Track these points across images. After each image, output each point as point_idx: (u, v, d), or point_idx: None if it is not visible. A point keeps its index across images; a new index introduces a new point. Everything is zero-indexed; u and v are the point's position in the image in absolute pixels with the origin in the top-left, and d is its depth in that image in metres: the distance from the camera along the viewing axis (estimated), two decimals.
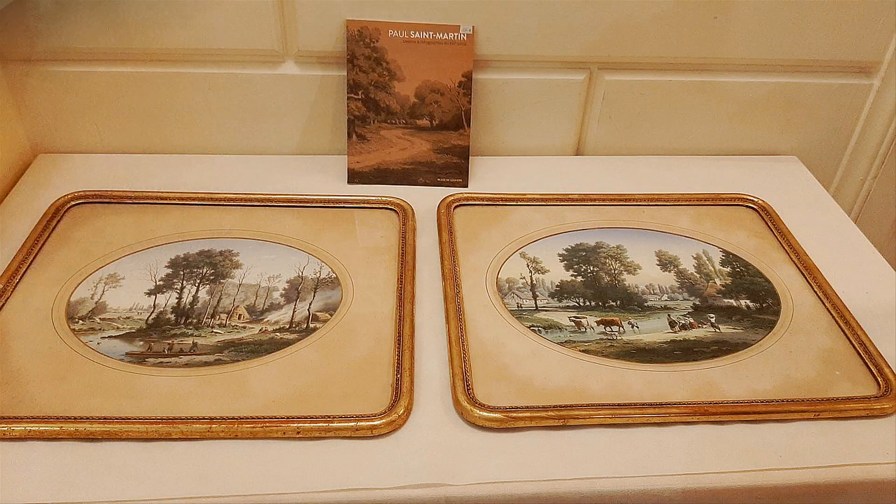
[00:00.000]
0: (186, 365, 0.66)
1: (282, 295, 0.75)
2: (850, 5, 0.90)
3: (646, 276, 0.80)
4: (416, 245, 0.82)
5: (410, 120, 0.91)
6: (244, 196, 0.87)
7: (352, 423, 0.60)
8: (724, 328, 0.73)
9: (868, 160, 1.04)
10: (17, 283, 0.74)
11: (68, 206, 0.85)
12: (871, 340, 0.71)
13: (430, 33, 0.87)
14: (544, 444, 0.61)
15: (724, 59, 0.94)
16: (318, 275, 0.77)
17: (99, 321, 0.71)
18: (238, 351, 0.68)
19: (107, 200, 0.86)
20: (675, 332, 0.72)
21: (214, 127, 0.95)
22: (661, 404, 0.64)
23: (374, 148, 0.92)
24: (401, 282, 0.76)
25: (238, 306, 0.73)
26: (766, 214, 0.89)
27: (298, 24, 0.87)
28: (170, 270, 0.77)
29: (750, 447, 0.61)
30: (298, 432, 0.60)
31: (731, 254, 0.83)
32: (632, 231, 0.86)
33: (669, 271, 0.80)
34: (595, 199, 0.90)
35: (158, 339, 0.69)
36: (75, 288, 0.74)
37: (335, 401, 0.63)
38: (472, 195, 0.90)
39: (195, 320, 0.71)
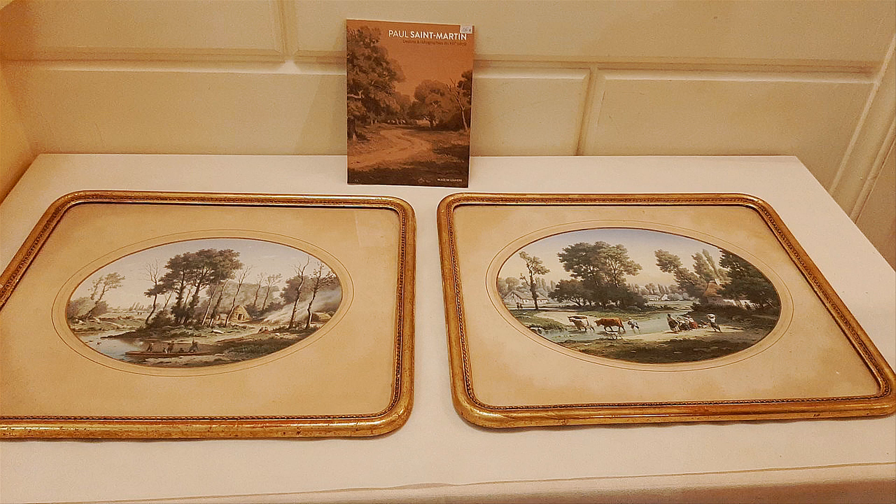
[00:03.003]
0: (186, 365, 0.66)
1: (282, 295, 0.75)
2: (850, 5, 0.90)
3: (646, 276, 0.80)
4: (416, 245, 0.82)
5: (410, 120, 0.91)
6: (244, 196, 0.87)
7: (352, 423, 0.61)
8: (724, 328, 0.73)
9: (868, 160, 1.04)
10: (17, 283, 0.74)
11: (68, 206, 0.85)
12: (871, 340, 0.71)
13: (430, 33, 0.87)
14: (544, 444, 0.61)
15: (724, 59, 0.94)
16: (318, 275, 0.77)
17: (99, 321, 0.71)
18: (238, 351, 0.68)
19: (107, 200, 0.86)
20: (675, 332, 0.72)
21: (214, 127, 0.95)
22: (661, 404, 0.64)
23: (374, 148, 0.92)
24: (401, 282, 0.76)
25: (238, 306, 0.73)
26: (766, 214, 0.89)
27: (298, 24, 0.87)
28: (170, 270, 0.77)
29: (750, 447, 0.61)
30: (298, 432, 0.60)
31: (731, 254, 0.83)
32: (632, 231, 0.86)
33: (669, 271, 0.80)
34: (595, 199, 0.90)
35: (158, 339, 0.69)
36: (75, 288, 0.74)
37: (335, 401, 0.63)
38: (472, 195, 0.90)
39: (195, 320, 0.71)
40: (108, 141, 0.95)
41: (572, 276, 0.79)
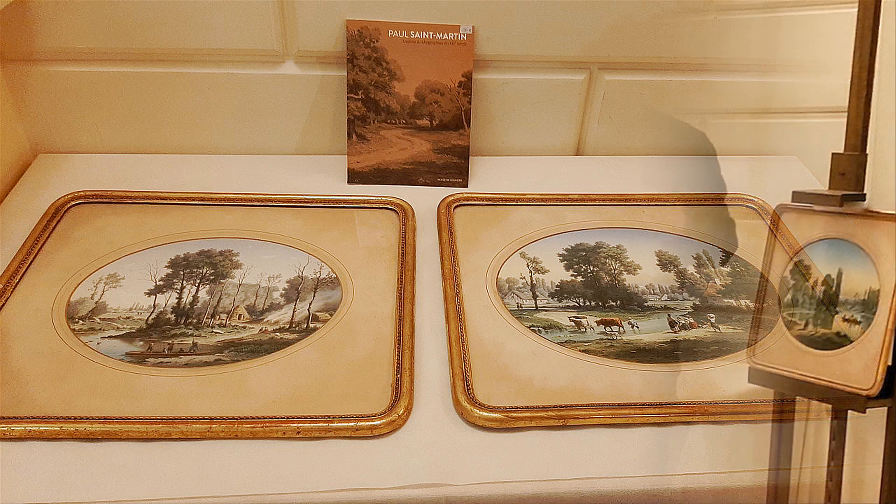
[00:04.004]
0: (186, 365, 0.66)
1: (282, 295, 0.75)
2: (849, 5, 0.90)
3: (646, 276, 0.80)
4: (416, 245, 0.82)
5: (410, 120, 0.91)
6: (244, 196, 0.87)
7: (352, 423, 0.61)
8: (724, 328, 0.73)
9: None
10: (17, 283, 0.74)
11: (68, 206, 0.85)
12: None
13: (430, 33, 0.87)
14: (544, 444, 0.61)
15: (724, 59, 0.94)
16: (318, 275, 0.77)
17: (99, 321, 0.71)
18: (238, 351, 0.68)
19: (107, 200, 0.86)
20: (675, 332, 0.72)
21: (214, 127, 0.95)
22: (661, 404, 0.64)
23: (374, 148, 0.92)
24: (401, 282, 0.76)
25: (238, 306, 0.73)
26: (766, 214, 0.89)
27: (298, 24, 0.87)
28: (170, 270, 0.77)
29: (749, 447, 0.61)
30: (298, 432, 0.60)
31: (731, 254, 0.83)
32: (632, 231, 0.86)
33: (669, 271, 0.80)
34: (595, 199, 0.90)
35: (158, 339, 0.69)
36: (75, 288, 0.74)
37: (335, 401, 0.63)
38: (472, 195, 0.90)
39: (195, 320, 0.71)
40: (108, 141, 0.95)
41: (572, 276, 0.79)
